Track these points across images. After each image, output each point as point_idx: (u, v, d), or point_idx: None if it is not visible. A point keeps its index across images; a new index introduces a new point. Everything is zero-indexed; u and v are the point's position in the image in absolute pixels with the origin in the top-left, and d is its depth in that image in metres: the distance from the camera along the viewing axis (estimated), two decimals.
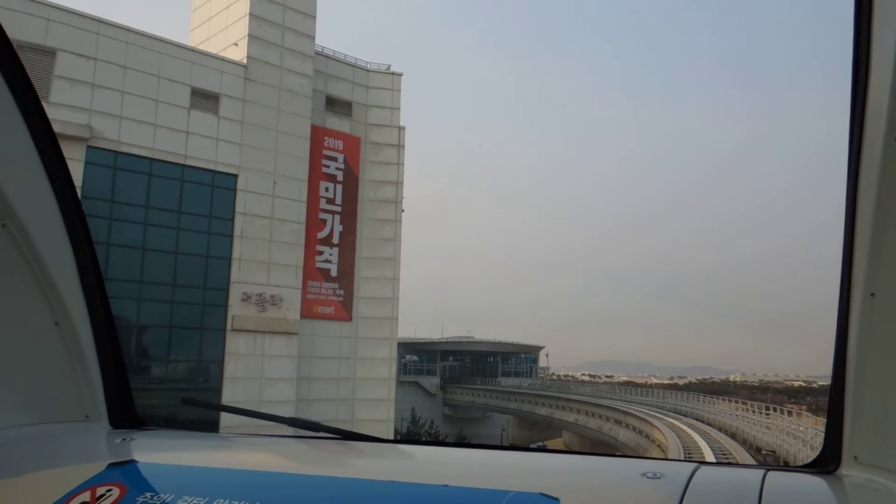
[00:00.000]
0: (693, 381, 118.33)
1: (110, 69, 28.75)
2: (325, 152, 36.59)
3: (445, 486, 1.34)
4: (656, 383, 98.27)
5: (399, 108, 39.58)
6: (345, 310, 36.85)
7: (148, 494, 1.42)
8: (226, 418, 24.02)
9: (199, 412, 25.76)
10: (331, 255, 36.43)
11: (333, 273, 36.49)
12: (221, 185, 31.93)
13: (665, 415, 33.82)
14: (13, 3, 26.57)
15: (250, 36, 33.24)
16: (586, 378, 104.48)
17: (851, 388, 1.27)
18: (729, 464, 1.79)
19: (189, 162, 30.86)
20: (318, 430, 1.93)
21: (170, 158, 30.32)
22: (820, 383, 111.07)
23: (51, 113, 16.59)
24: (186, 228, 30.83)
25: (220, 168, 31.81)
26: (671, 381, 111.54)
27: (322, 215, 36.25)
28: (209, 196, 31.62)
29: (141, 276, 29.47)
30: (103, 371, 1.88)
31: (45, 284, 1.70)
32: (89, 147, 27.90)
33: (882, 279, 1.16)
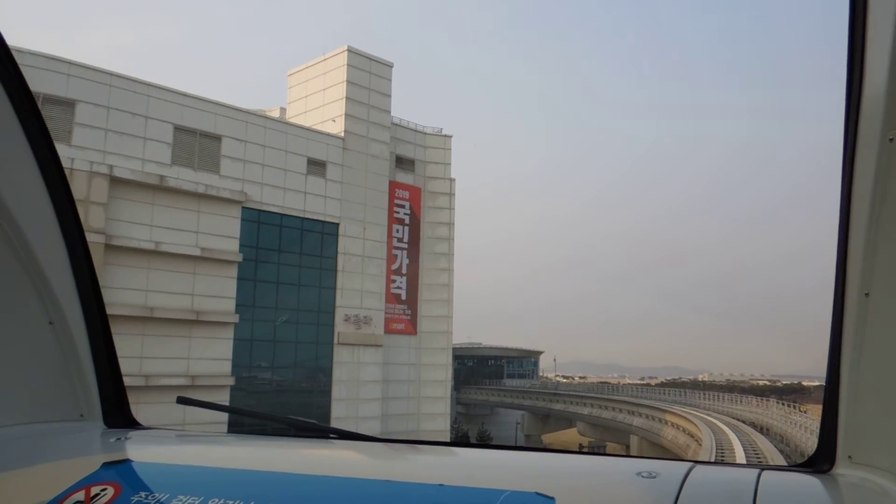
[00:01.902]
0: (664, 380, 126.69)
1: (255, 148, 38.16)
2: (396, 201, 46.28)
3: (441, 485, 1.35)
4: (630, 383, 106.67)
5: (450, 164, 49.44)
6: (412, 326, 46.55)
7: (142, 493, 1.43)
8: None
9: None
10: (401, 282, 46.12)
11: (403, 297, 46.19)
12: (328, 232, 41.46)
13: (670, 405, 44.04)
14: (192, 102, 35.95)
15: (347, 114, 42.82)
16: (561, 379, 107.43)
17: (846, 387, 1.27)
18: (724, 463, 1.72)
19: (306, 215, 40.37)
20: (313, 430, 2.05)
21: (294, 213, 39.80)
22: (784, 382, 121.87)
23: (220, 183, 28.37)
24: (305, 266, 40.33)
25: (327, 219, 41.35)
26: (643, 382, 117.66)
27: (394, 251, 45.91)
28: (320, 241, 41.12)
29: (276, 304, 38.92)
30: (98, 370, 1.89)
31: (40, 283, 1.71)
32: (243, 207, 37.30)
33: (876, 279, 1.15)
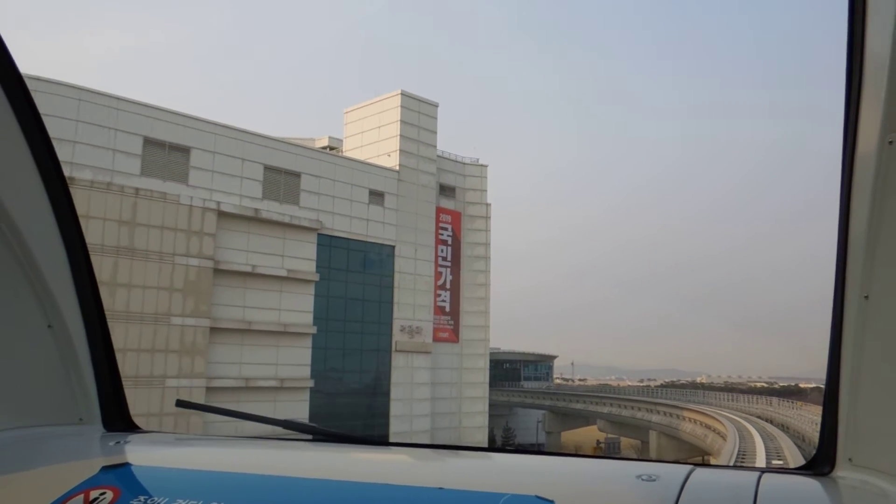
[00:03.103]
0: (663, 382, 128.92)
1: (327, 182, 44.30)
2: (441, 224, 52.42)
3: (441, 488, 1.36)
4: (630, 385, 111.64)
5: (486, 190, 55.59)
6: (454, 334, 52.68)
7: (142, 497, 1.43)
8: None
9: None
10: (445, 296, 52.24)
11: (447, 309, 52.31)
12: (386, 254, 47.62)
13: (685, 403, 50.21)
14: (277, 144, 42.08)
15: (401, 150, 48.98)
16: (561, 381, 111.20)
17: (846, 390, 1.27)
18: (724, 466, 1.64)
19: (369, 239, 46.53)
20: (312, 433, 2.00)
21: (358, 238, 45.95)
22: (782, 384, 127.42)
23: (300, 213, 35.82)
24: (368, 283, 46.47)
25: (385, 242, 47.50)
26: (642, 383, 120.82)
27: (439, 269, 52.03)
28: (379, 261, 47.27)
29: (344, 316, 45.03)
30: (97, 373, 1.89)
31: (39, 286, 1.70)
32: (318, 234, 43.41)
33: (876, 282, 1.15)
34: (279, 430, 2.05)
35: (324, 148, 53.87)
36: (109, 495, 1.45)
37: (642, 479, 1.33)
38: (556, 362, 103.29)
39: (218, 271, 38.08)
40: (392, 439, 45.93)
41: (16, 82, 1.50)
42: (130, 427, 2.00)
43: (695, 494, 1.26)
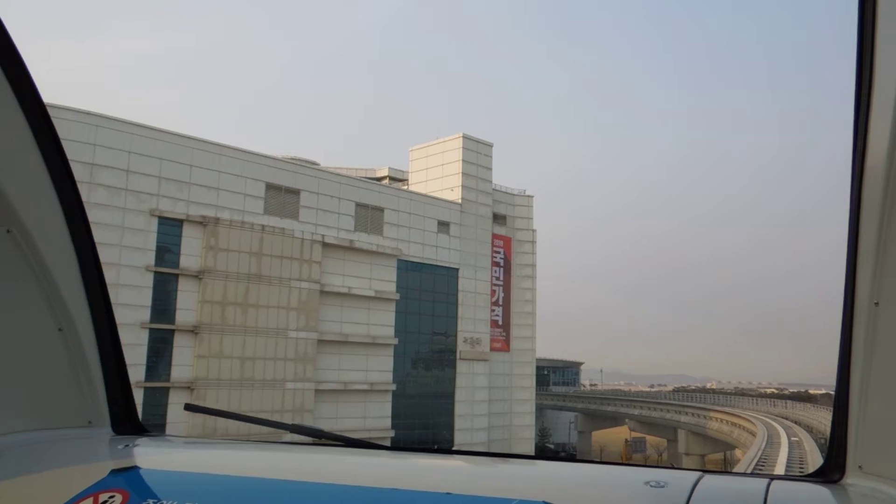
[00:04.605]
0: (675, 388, 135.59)
1: (405, 215, 51.94)
2: (494, 248, 59.94)
3: (449, 493, 1.36)
4: (641, 390, 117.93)
5: (532, 218, 63.09)
6: (506, 344, 60.16)
7: (150, 501, 1.45)
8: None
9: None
10: (498, 311, 59.74)
11: (500, 322, 59.81)
12: (451, 276, 55.20)
13: (711, 405, 57.45)
14: (365, 184, 49.75)
15: (463, 186, 56.57)
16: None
17: (856, 397, 1.26)
18: (733, 473, 1.64)
19: (438, 263, 54.13)
20: (320, 437, 1.99)
21: (429, 262, 53.55)
22: (792, 390, 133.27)
23: (384, 242, 45.08)
24: (437, 301, 54.05)
25: (450, 265, 55.09)
26: (652, 388, 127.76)
27: (493, 287, 59.54)
28: (446, 282, 54.86)
29: (419, 328, 52.63)
30: (106, 377, 1.91)
31: (49, 290, 1.72)
32: (398, 259, 51.03)
33: (886, 288, 1.15)
34: (286, 433, 2.08)
35: (383, 178, 61.78)
36: (118, 498, 1.48)
37: (650, 486, 1.34)
38: (589, 368, 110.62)
39: (323, 293, 45.72)
40: (457, 436, 53.46)
41: (30, 92, 1.53)
42: (139, 430, 2.02)
43: (703, 501, 1.26)
